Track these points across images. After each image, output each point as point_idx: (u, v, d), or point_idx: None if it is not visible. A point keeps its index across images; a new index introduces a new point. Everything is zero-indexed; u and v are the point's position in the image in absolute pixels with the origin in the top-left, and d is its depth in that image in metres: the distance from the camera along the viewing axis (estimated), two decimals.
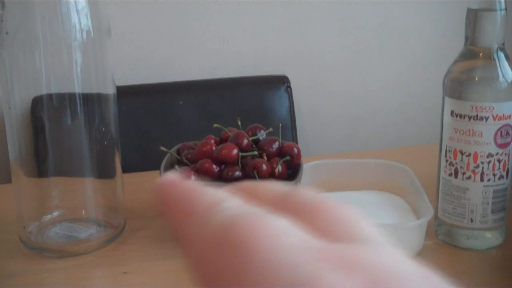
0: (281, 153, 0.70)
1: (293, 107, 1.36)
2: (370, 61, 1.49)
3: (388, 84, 1.51)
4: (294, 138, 1.35)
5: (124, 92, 1.26)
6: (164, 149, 0.73)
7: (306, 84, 1.46)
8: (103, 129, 0.70)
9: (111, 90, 0.71)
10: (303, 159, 0.72)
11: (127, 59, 1.35)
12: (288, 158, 0.70)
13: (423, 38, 1.49)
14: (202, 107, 1.30)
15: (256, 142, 0.72)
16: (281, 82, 1.35)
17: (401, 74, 1.51)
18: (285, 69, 1.41)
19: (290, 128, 1.34)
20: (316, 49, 1.45)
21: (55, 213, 0.73)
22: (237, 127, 0.74)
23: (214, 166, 0.67)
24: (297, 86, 1.41)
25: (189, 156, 0.72)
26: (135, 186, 0.87)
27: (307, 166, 0.79)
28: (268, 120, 1.30)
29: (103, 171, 0.74)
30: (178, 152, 0.75)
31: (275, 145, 0.70)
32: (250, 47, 1.41)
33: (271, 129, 0.74)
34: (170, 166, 0.71)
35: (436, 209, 0.71)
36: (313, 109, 1.48)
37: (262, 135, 0.73)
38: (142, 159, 1.11)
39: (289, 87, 1.36)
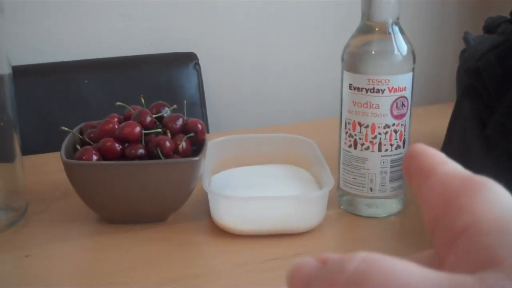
0: (185, 129, 0.70)
1: (202, 84, 1.35)
2: (278, 38, 1.50)
3: (295, 60, 1.53)
4: (204, 115, 1.35)
5: (24, 72, 1.22)
6: (66, 128, 0.71)
7: (216, 61, 1.45)
8: None
9: (6, 70, 0.69)
10: (213, 135, 0.72)
11: (26, 37, 1.30)
12: (192, 134, 0.70)
13: (325, 15, 1.52)
14: (109, 86, 1.27)
15: (160, 119, 0.72)
16: (189, 59, 1.34)
17: (306, 51, 1.54)
18: (194, 47, 1.40)
19: (200, 106, 1.34)
20: (225, 26, 1.45)
21: None
22: (141, 105, 0.73)
23: (117, 145, 0.66)
24: (206, 63, 1.40)
25: (91, 135, 0.70)
26: (38, 168, 0.85)
27: (214, 143, 0.79)
28: (177, 97, 1.29)
29: (2, 155, 0.71)
30: (81, 131, 0.73)
31: (179, 122, 0.70)
32: (156, 24, 1.39)
33: (175, 106, 0.74)
34: (72, 146, 0.70)
35: (338, 180, 0.73)
36: (223, 86, 1.48)
37: (166, 112, 0.73)
38: (46, 141, 1.08)
39: (197, 64, 1.35)
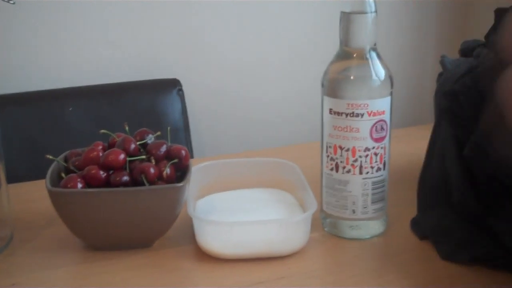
0: (169, 156, 0.71)
1: (185, 110, 1.36)
2: (259, 63, 1.52)
3: (277, 86, 1.55)
4: (188, 140, 1.36)
5: (8, 100, 1.23)
6: (50, 157, 0.72)
7: (199, 87, 1.47)
8: None
9: None
10: (197, 160, 0.73)
11: (10, 65, 1.31)
12: (176, 160, 0.70)
13: (305, 41, 1.54)
14: (93, 113, 1.28)
15: (145, 146, 0.73)
16: (172, 85, 1.36)
17: (287, 76, 1.56)
18: (177, 73, 1.41)
19: (183, 131, 1.35)
20: (208, 53, 1.46)
21: None
22: (126, 132, 0.74)
23: (101, 172, 0.67)
24: (189, 89, 1.42)
25: (76, 163, 0.71)
26: (23, 196, 0.85)
27: (198, 168, 0.80)
28: (161, 123, 1.30)
29: None
30: (66, 159, 0.74)
31: (163, 148, 0.71)
32: (140, 51, 1.40)
33: (159, 133, 0.75)
34: (57, 174, 0.70)
35: (321, 203, 0.74)
36: (207, 111, 1.50)
37: (150, 139, 0.74)
38: (31, 168, 1.08)
39: (180, 90, 1.36)
